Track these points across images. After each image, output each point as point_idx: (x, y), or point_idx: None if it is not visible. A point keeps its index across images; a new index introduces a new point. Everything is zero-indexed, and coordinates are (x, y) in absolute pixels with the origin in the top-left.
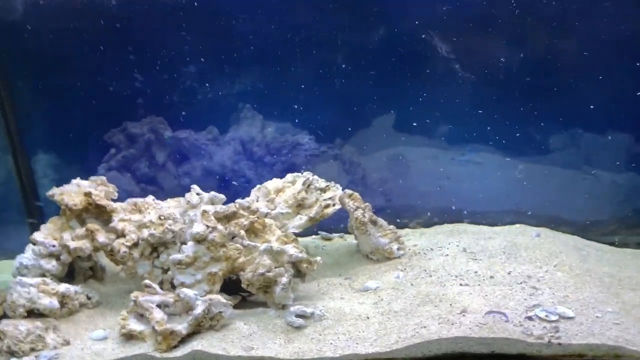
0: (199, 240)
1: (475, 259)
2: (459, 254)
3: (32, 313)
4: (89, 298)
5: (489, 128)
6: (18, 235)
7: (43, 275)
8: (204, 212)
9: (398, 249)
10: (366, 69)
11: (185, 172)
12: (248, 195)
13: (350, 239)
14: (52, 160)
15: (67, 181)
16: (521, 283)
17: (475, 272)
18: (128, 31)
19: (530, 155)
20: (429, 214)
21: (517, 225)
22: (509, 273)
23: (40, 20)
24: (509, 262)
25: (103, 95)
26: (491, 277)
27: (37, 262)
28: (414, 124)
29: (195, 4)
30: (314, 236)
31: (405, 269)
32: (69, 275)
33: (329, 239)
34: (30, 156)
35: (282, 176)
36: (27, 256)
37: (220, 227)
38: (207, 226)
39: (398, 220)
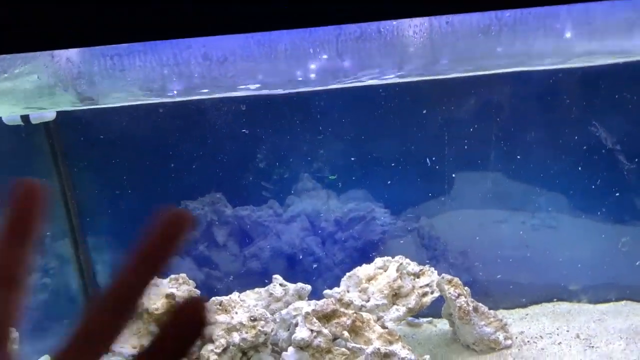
0: (303, 347)
1: (592, 347)
2: (572, 341)
3: None
4: None
5: (571, 192)
6: None
7: None
8: (307, 314)
9: (505, 338)
10: (445, 142)
11: (252, 253)
12: (319, 277)
13: (441, 325)
14: (109, 245)
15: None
16: None
17: None
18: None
19: (631, 222)
20: (519, 290)
21: (623, 303)
22: None
23: (104, 114)
24: (630, 349)
25: (161, 180)
26: None
27: None
28: (498, 190)
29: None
30: (401, 322)
31: None
32: None
33: (417, 326)
34: (89, 243)
35: (355, 256)
36: None
37: (325, 330)
38: (312, 331)
39: (485, 299)
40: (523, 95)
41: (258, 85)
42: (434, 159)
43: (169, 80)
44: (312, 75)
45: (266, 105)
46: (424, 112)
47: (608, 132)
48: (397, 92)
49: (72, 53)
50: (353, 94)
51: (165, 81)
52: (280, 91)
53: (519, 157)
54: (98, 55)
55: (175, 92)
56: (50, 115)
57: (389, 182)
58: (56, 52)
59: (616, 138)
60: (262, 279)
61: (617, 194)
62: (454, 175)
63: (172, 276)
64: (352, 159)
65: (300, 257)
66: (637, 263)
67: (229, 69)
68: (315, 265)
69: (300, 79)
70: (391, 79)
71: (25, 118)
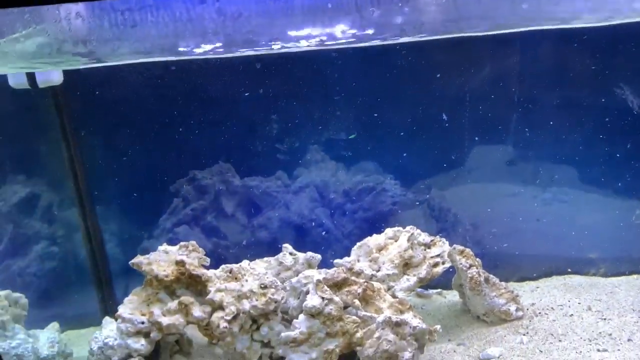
0: (314, 314)
1: (604, 319)
2: (584, 313)
3: None
4: None
5: (581, 165)
6: (84, 300)
7: (130, 356)
8: (318, 282)
9: (516, 309)
10: (457, 110)
11: (261, 224)
12: (329, 247)
13: (450, 296)
14: (118, 214)
15: (133, 237)
16: None
17: (610, 334)
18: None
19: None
20: (530, 262)
21: (635, 276)
22: None
23: (112, 75)
24: None
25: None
26: (629, 339)
27: (124, 341)
28: (508, 162)
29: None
30: (410, 294)
31: (527, 333)
32: (154, 350)
33: (427, 297)
34: (97, 211)
35: (365, 226)
36: (110, 334)
37: (336, 298)
38: (323, 298)
39: (496, 271)
40: (539, 60)
41: (274, 44)
42: (446, 128)
43: (181, 37)
44: (329, 32)
45: (279, 65)
46: (438, 75)
47: (635, 96)
48: (411, 55)
49: (81, 8)
50: (365, 56)
51: (177, 38)
52: (295, 48)
53: (534, 127)
54: (108, 10)
55: (187, 49)
56: (57, 78)
57: (399, 153)
58: (65, 7)
59: (631, 107)
60: (270, 249)
61: (632, 166)
62: (466, 146)
63: (182, 243)
64: (362, 129)
65: (309, 228)
66: None
67: (243, 24)
68: (324, 235)
69: (316, 36)
70: (411, 38)
71: (32, 81)
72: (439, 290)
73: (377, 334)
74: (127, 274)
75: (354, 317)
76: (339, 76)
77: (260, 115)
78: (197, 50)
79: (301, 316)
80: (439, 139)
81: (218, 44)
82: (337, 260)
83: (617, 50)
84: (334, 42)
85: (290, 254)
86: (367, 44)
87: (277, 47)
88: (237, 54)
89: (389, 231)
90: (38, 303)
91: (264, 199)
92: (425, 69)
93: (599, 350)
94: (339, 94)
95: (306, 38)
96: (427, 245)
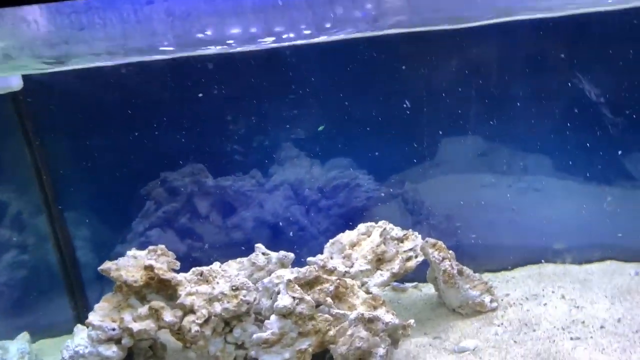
0: (285, 314)
1: (578, 307)
2: (558, 302)
3: None
4: None
5: (556, 153)
6: (57, 308)
7: None
8: (289, 282)
9: (491, 301)
10: (427, 102)
11: (235, 224)
12: (304, 245)
13: (426, 289)
14: (88, 219)
15: (105, 242)
16: (637, 331)
17: (583, 322)
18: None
19: (615, 182)
20: (504, 252)
21: (608, 262)
22: (618, 320)
23: (73, 79)
24: (615, 308)
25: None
26: (601, 327)
27: (95, 348)
28: (480, 154)
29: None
30: (385, 288)
31: (502, 324)
32: (128, 357)
33: (402, 290)
34: (66, 217)
35: (340, 223)
36: (81, 342)
37: (307, 297)
38: (294, 298)
39: (471, 262)
40: (507, 51)
41: (227, 42)
42: (417, 121)
43: (130, 39)
44: (279, 29)
45: (237, 64)
46: (403, 68)
47: (593, 86)
48: (377, 51)
49: (36, 13)
50: (331, 51)
51: (127, 40)
52: (252, 47)
53: (504, 118)
54: (62, 14)
55: (138, 50)
56: (16, 83)
57: (372, 148)
58: (21, 12)
59: (599, 94)
60: (246, 249)
61: (603, 154)
62: (438, 139)
63: (151, 247)
64: (335, 124)
65: (284, 226)
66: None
67: (193, 24)
68: (300, 234)
69: (269, 34)
70: (367, 33)
71: None
72: (414, 283)
73: (349, 332)
74: (100, 280)
75: (326, 316)
76: (306, 72)
77: (229, 114)
78: (148, 51)
79: (273, 317)
80: (411, 132)
81: (169, 48)
82: (309, 259)
83: (586, 39)
84: (289, 38)
85: (263, 253)
86: (325, 39)
87: (227, 47)
88: (198, 52)
89: (361, 227)
90: (10, 312)
91: (238, 198)
92: (392, 63)
93: (572, 339)
94: (306, 90)
95: (261, 36)
96: (400, 240)
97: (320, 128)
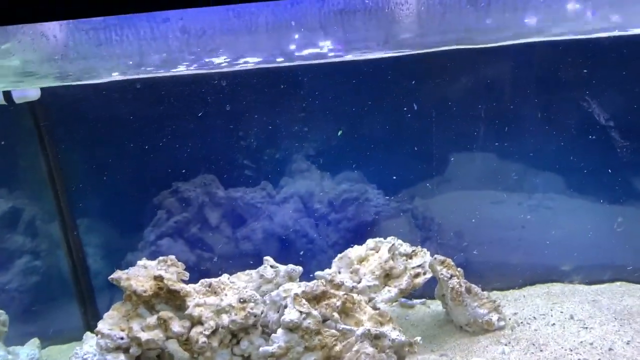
0: (292, 328)
1: (586, 328)
2: (566, 322)
3: None
4: None
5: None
6: (66, 314)
7: None
8: (296, 296)
9: (498, 319)
10: (438, 119)
11: (245, 235)
12: (313, 258)
13: (434, 306)
14: (100, 227)
15: (117, 251)
16: None
17: (591, 344)
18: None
19: (626, 202)
20: (513, 271)
21: (618, 283)
22: (627, 343)
23: (89, 91)
24: (624, 330)
25: (151, 158)
26: (610, 349)
27: (103, 356)
28: (491, 172)
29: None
30: (393, 304)
31: (509, 343)
32: None
33: (410, 307)
34: (79, 224)
35: (349, 237)
36: (90, 350)
37: (314, 312)
38: (301, 312)
39: (480, 280)
40: (519, 69)
41: (241, 60)
42: (427, 138)
43: (146, 55)
44: (292, 47)
45: (250, 80)
46: (414, 84)
47: (604, 106)
48: (389, 70)
49: (56, 29)
50: (343, 71)
51: (143, 56)
52: (264, 65)
53: (514, 136)
54: (80, 31)
55: (154, 67)
56: (34, 94)
57: (382, 163)
58: (42, 28)
59: (610, 115)
60: (255, 261)
61: (614, 174)
62: (449, 155)
63: (161, 258)
64: (345, 139)
65: (293, 238)
66: None
67: (207, 42)
68: (308, 247)
69: (281, 54)
70: (377, 53)
71: (7, 97)
72: (422, 300)
73: (355, 347)
74: (111, 288)
75: (333, 331)
76: (318, 88)
77: (241, 127)
78: (163, 67)
79: (279, 330)
80: (421, 148)
81: (184, 64)
82: (317, 273)
83: (597, 61)
84: (300, 59)
85: (272, 266)
86: (336, 61)
87: (241, 64)
88: (212, 69)
89: (370, 242)
90: (21, 318)
91: (248, 209)
92: (403, 80)
93: None
94: (317, 105)
95: (273, 54)
96: (408, 256)
97: (339, 133)
